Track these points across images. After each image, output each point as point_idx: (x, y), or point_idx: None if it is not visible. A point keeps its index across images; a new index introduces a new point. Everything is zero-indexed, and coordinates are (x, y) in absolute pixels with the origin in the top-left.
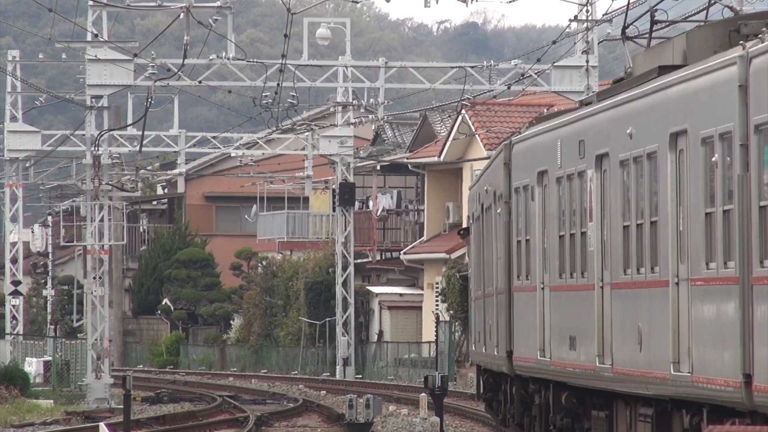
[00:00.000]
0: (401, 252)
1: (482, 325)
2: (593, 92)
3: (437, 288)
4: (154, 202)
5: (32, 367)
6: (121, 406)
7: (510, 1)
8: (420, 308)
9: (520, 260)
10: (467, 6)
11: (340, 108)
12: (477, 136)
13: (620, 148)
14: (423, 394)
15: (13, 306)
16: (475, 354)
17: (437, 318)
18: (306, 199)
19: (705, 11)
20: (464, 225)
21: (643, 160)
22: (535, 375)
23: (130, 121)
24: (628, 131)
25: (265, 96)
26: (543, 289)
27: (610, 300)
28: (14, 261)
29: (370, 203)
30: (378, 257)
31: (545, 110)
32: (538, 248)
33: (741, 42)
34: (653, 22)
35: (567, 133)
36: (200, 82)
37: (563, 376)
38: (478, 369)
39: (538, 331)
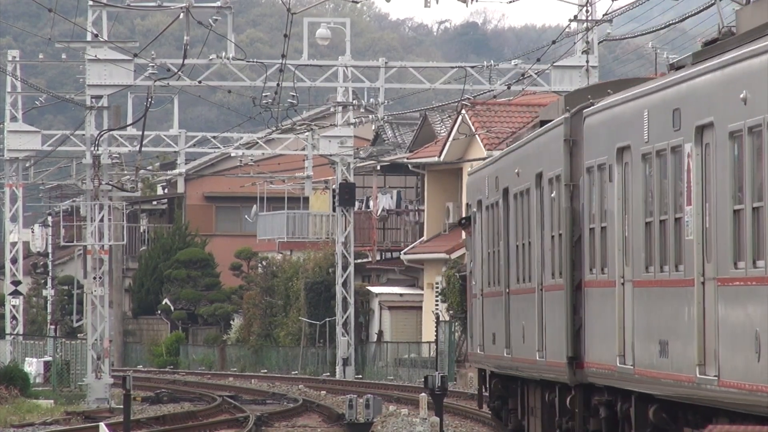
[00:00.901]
0: (401, 252)
1: (495, 325)
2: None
3: (437, 288)
4: (154, 202)
5: (32, 367)
6: (121, 406)
7: (510, 1)
8: (420, 308)
9: (592, 251)
10: (467, 6)
11: (340, 108)
12: (477, 136)
13: (730, 117)
14: (423, 394)
15: (13, 306)
16: (481, 357)
17: (437, 318)
18: (306, 199)
19: None
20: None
21: (762, 130)
22: (613, 384)
23: (130, 121)
24: (741, 96)
25: (265, 96)
26: (623, 284)
27: (715, 298)
28: (14, 261)
29: (370, 203)
30: (378, 257)
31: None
32: (617, 237)
33: None
34: None
35: (657, 102)
36: (200, 82)
37: (651, 386)
38: (480, 373)
39: (617, 333)
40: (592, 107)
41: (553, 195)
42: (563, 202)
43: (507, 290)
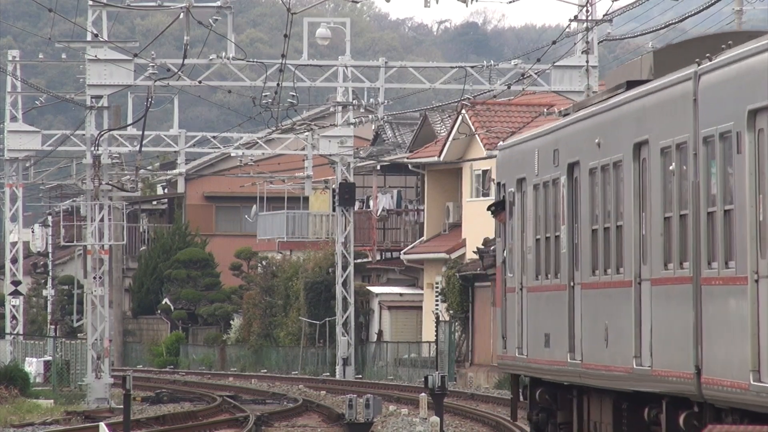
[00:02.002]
0: (401, 252)
1: (550, 324)
2: (594, 92)
3: (437, 288)
4: (154, 202)
5: (32, 367)
6: (121, 406)
7: (510, 1)
8: (420, 308)
9: (711, 240)
10: (467, 6)
11: (340, 108)
12: (477, 136)
13: None
14: (423, 394)
15: (13, 306)
16: (521, 361)
17: (437, 318)
18: (306, 199)
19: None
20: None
21: None
22: (745, 407)
23: (130, 121)
24: None
25: (265, 96)
26: (758, 281)
27: None
28: (14, 261)
29: (370, 203)
30: (378, 257)
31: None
32: (749, 222)
33: None
34: None
35: None
36: (200, 82)
37: None
38: (515, 379)
39: (751, 343)
40: (709, 63)
41: (671, 167)
42: (690, 176)
43: (572, 283)
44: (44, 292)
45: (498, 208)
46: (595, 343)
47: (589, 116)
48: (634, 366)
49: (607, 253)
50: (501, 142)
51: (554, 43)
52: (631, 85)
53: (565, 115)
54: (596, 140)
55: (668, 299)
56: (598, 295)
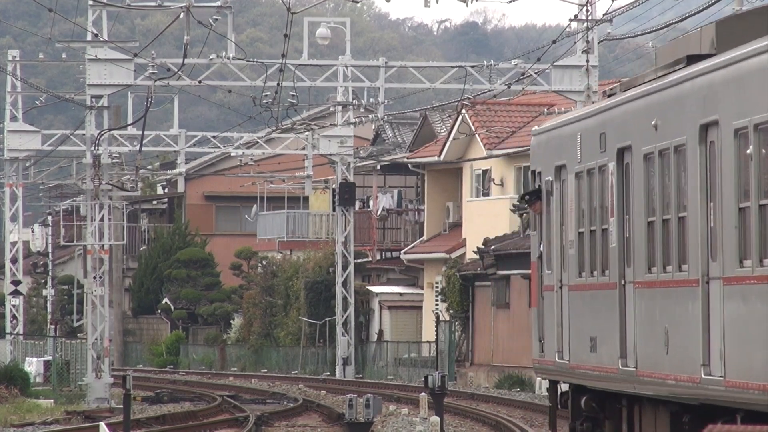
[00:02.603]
0: (401, 252)
1: (596, 327)
2: (594, 92)
3: (437, 288)
4: (154, 202)
5: (32, 366)
6: (121, 406)
7: (510, 1)
8: (420, 308)
9: None
10: (467, 6)
11: (340, 108)
12: (477, 135)
13: None
14: (423, 394)
15: (13, 306)
16: (562, 366)
17: (437, 318)
18: (306, 199)
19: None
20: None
21: None
22: None
23: (130, 120)
24: None
25: (265, 96)
26: None
27: None
28: (14, 261)
29: (370, 203)
30: (378, 257)
31: (545, 110)
32: None
33: None
34: None
35: None
36: (200, 81)
37: None
38: (553, 386)
39: None
40: None
41: (749, 150)
42: None
43: (623, 282)
44: (44, 292)
45: (533, 198)
46: (652, 348)
47: (643, 95)
48: (702, 375)
49: (667, 249)
50: (535, 127)
51: (554, 42)
52: (692, 60)
53: (611, 95)
54: (653, 122)
55: (745, 301)
56: (656, 295)
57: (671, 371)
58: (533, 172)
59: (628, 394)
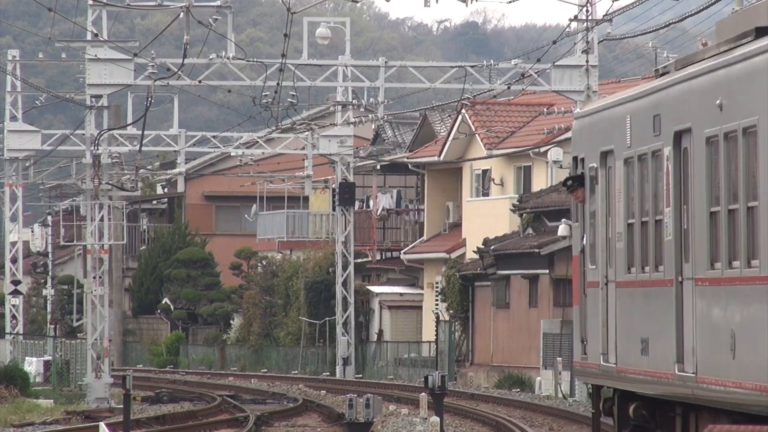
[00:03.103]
0: (401, 252)
1: (649, 328)
2: (594, 92)
3: (437, 287)
4: (154, 202)
5: (32, 366)
6: (121, 406)
7: (510, 1)
8: (420, 308)
9: None
10: (467, 5)
11: (339, 107)
12: (477, 135)
13: None
14: (423, 394)
15: (13, 306)
16: (607, 370)
17: (437, 318)
18: (306, 199)
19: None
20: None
21: None
22: None
23: (130, 120)
24: None
25: (265, 95)
26: None
27: None
28: (14, 260)
29: (370, 203)
30: (378, 257)
31: (545, 110)
32: None
33: None
34: None
35: None
36: (200, 81)
37: None
38: (596, 391)
39: None
40: None
41: None
42: None
43: (680, 278)
44: (44, 292)
45: (575, 184)
46: (714, 352)
47: (705, 72)
48: None
49: (733, 243)
50: (577, 109)
51: (554, 42)
52: (761, 32)
53: (663, 74)
54: (717, 101)
55: None
56: (721, 294)
57: (738, 378)
58: (575, 158)
59: (685, 402)
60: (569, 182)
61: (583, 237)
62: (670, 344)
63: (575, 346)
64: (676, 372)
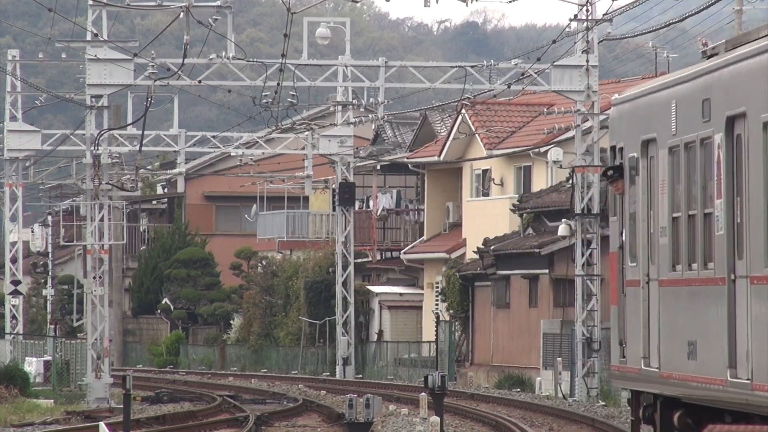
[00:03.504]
0: (401, 252)
1: (696, 330)
2: (594, 92)
3: (437, 288)
4: (154, 202)
5: (32, 366)
6: (121, 406)
7: (510, 1)
8: (420, 308)
9: None
10: (467, 5)
11: (339, 107)
12: (477, 135)
13: None
14: (423, 394)
15: (13, 306)
16: (649, 375)
17: (437, 318)
18: (306, 199)
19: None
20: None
21: None
22: None
23: (130, 120)
24: None
25: (265, 95)
26: None
27: None
28: (14, 261)
29: (370, 203)
30: (378, 257)
31: (545, 110)
32: None
33: None
34: None
35: None
36: (200, 81)
37: None
38: (636, 397)
39: None
40: None
41: None
42: None
43: (733, 276)
44: (44, 292)
45: (616, 174)
46: None
47: (761, 52)
48: None
49: None
50: (616, 95)
51: (554, 42)
52: None
53: (712, 55)
54: None
55: None
56: None
57: None
58: (612, 147)
59: (737, 410)
60: (610, 172)
61: (621, 232)
62: (722, 348)
63: (613, 348)
64: (729, 378)
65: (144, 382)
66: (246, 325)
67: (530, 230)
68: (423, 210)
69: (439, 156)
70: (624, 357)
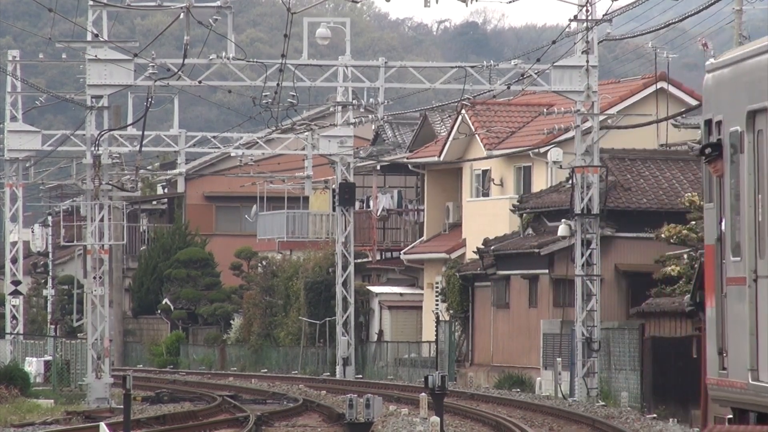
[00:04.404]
0: (401, 252)
1: None
2: (594, 92)
3: (437, 288)
4: (154, 202)
5: (32, 366)
6: (121, 406)
7: (510, 1)
8: (420, 308)
9: None
10: (467, 6)
11: (339, 108)
12: (477, 135)
13: None
14: (423, 394)
15: (14, 306)
16: (760, 391)
17: (437, 318)
18: (306, 199)
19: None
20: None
21: None
22: None
23: (130, 120)
24: None
25: (265, 96)
26: None
27: None
28: (14, 261)
29: (370, 203)
30: (378, 257)
31: (545, 110)
32: None
33: None
34: None
35: None
36: (200, 82)
37: None
38: (740, 415)
39: None
40: None
41: None
42: None
43: None
44: (44, 292)
45: (714, 152)
46: None
47: None
48: None
49: None
50: (711, 60)
51: (554, 43)
52: None
53: None
54: None
55: None
56: None
57: None
58: (707, 121)
59: None
60: (708, 150)
61: (720, 221)
62: None
63: (710, 358)
64: None
65: (144, 382)
66: (246, 325)
67: (530, 230)
68: (423, 210)
69: (439, 156)
70: (724, 369)
